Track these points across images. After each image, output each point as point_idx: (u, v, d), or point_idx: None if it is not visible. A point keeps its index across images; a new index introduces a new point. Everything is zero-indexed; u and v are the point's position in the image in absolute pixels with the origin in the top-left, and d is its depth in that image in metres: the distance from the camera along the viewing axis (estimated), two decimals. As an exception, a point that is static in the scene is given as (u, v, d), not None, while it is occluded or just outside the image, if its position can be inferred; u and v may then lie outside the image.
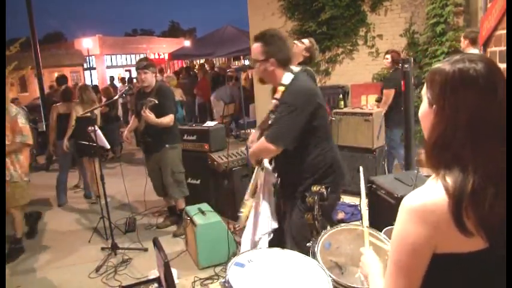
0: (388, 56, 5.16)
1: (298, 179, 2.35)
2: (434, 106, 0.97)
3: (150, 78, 4.12)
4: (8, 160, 3.81)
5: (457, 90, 0.93)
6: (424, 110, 1.01)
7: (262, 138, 2.29)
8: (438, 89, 0.96)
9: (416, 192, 0.96)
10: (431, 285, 0.97)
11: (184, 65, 19.40)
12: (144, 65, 4.09)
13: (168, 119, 4.03)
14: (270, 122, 2.37)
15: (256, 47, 2.30)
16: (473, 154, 0.91)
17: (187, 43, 21.81)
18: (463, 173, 0.91)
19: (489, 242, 0.91)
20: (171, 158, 4.19)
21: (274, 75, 2.32)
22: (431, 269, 0.95)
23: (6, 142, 3.78)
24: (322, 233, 1.92)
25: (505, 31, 1.66)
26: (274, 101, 2.36)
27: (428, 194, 0.94)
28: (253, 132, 2.80)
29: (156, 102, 3.88)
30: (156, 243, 2.54)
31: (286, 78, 2.31)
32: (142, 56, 30.79)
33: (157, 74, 13.92)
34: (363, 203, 1.66)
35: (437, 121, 0.96)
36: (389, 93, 4.96)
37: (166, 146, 4.15)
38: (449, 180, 0.92)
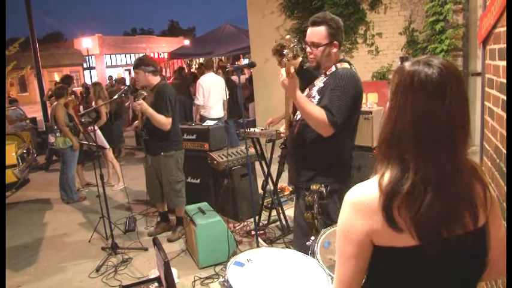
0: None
1: (311, 166, 2.29)
2: (388, 103, 1.00)
3: (142, 77, 3.88)
4: None
5: (406, 92, 0.95)
6: (386, 106, 1.04)
7: (320, 108, 2.09)
8: (394, 88, 0.98)
9: (357, 186, 1.03)
10: (374, 275, 1.02)
11: (184, 65, 19.38)
12: (136, 63, 3.92)
13: (164, 120, 3.75)
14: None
15: (319, 31, 2.25)
16: (416, 156, 0.93)
17: (186, 42, 21.78)
18: (402, 172, 0.94)
19: (420, 241, 0.93)
20: (166, 166, 3.94)
21: (332, 58, 2.29)
22: (374, 260, 1.00)
23: None
24: (322, 232, 1.92)
25: (504, 28, 1.65)
26: (319, 83, 2.31)
27: (365, 189, 1.00)
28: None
29: (145, 94, 3.74)
30: (156, 243, 2.54)
31: (337, 61, 2.31)
32: (141, 55, 30.76)
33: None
34: None
35: (387, 119, 0.99)
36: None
37: (162, 154, 3.92)
38: (386, 177, 0.95)
